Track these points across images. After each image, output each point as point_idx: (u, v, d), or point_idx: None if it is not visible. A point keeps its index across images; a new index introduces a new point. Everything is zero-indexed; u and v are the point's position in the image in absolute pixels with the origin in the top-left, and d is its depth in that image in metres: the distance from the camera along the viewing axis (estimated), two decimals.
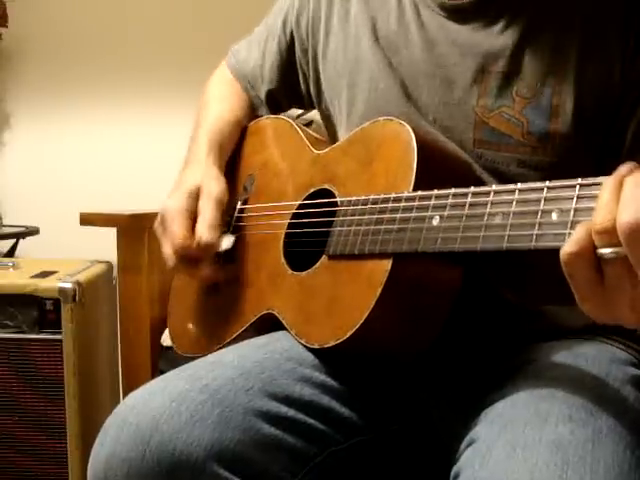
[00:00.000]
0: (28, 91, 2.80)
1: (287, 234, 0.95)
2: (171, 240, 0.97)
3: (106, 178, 2.73)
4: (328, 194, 0.90)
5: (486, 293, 0.84)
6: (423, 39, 0.91)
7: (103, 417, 0.79)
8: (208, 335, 1.03)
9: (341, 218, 0.85)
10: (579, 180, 0.61)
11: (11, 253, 2.53)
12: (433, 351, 0.82)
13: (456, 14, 0.89)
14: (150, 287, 1.50)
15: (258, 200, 1.04)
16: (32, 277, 1.55)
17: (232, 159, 1.10)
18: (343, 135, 0.98)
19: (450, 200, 0.72)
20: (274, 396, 0.79)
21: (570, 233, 0.60)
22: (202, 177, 1.02)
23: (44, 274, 1.57)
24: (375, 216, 0.80)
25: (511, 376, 0.80)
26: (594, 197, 0.58)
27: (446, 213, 0.72)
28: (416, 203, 0.76)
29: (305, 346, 0.85)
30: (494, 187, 0.69)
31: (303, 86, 1.10)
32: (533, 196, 0.64)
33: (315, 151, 0.97)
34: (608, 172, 0.86)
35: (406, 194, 0.77)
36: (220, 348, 0.97)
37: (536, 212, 0.64)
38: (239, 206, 1.06)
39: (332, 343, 0.80)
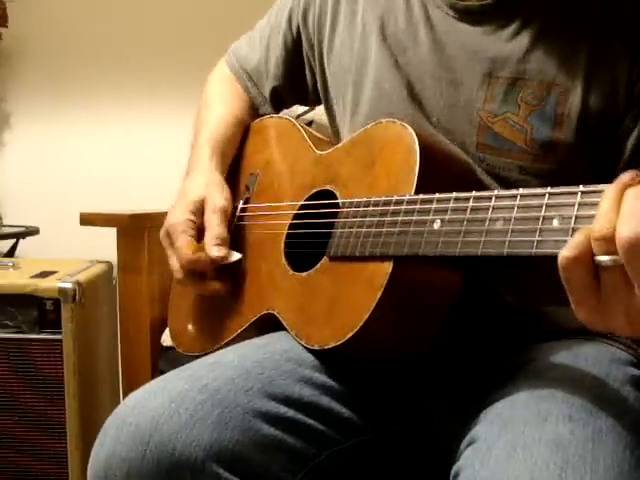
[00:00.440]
0: (28, 91, 2.80)
1: (288, 234, 0.95)
2: (178, 255, 0.98)
3: (106, 178, 2.73)
4: (330, 195, 0.90)
5: (486, 295, 0.84)
6: (431, 40, 0.91)
7: (103, 417, 0.79)
8: (208, 333, 1.03)
9: (342, 220, 0.85)
10: (580, 187, 0.61)
11: (11, 253, 2.53)
12: (433, 352, 0.82)
13: (467, 15, 0.89)
14: (150, 287, 1.50)
15: (260, 199, 1.04)
16: (32, 277, 1.55)
17: (234, 158, 1.10)
18: (347, 134, 0.98)
19: (452, 204, 0.72)
20: (274, 396, 0.79)
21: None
22: (206, 186, 1.02)
23: (44, 274, 1.57)
24: (376, 218, 0.80)
25: (511, 376, 0.80)
26: (595, 205, 0.58)
27: (447, 217, 0.72)
28: (418, 206, 0.76)
29: (305, 347, 0.85)
30: (496, 192, 0.69)
31: (310, 82, 1.10)
32: (534, 202, 0.64)
33: (317, 151, 0.97)
34: (603, 180, 0.86)
35: (408, 197, 0.77)
36: (220, 347, 0.98)
37: (537, 218, 0.63)
38: (241, 205, 1.05)
39: (332, 344, 0.80)
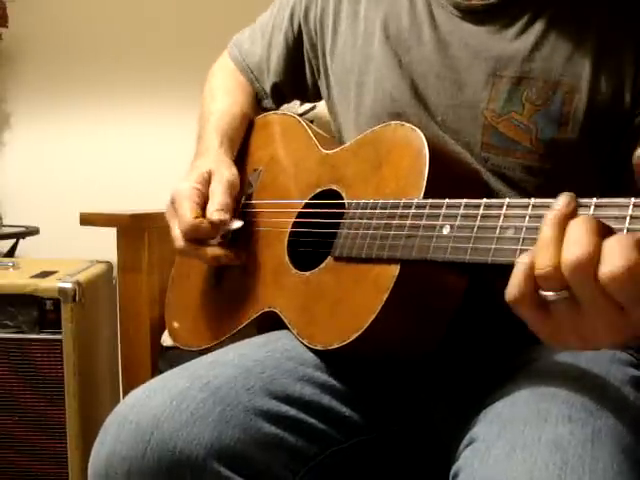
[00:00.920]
0: (28, 91, 2.80)
1: (292, 232, 0.94)
2: (180, 221, 0.96)
3: (106, 178, 2.73)
4: (335, 195, 0.90)
5: (487, 295, 0.84)
6: (435, 39, 0.91)
7: (103, 417, 0.79)
8: (208, 329, 1.02)
9: (348, 220, 0.85)
10: (593, 200, 0.61)
11: (11, 253, 2.53)
12: (435, 352, 0.82)
13: (471, 15, 0.89)
14: (150, 287, 1.50)
15: (263, 196, 1.03)
16: (32, 277, 1.55)
17: (238, 153, 1.10)
18: (350, 133, 0.98)
19: (462, 210, 0.72)
20: (275, 395, 0.79)
21: None
22: (214, 162, 1.02)
23: (44, 274, 1.57)
24: (384, 221, 0.80)
25: (511, 376, 0.80)
26: (609, 217, 0.58)
27: (457, 223, 0.72)
28: (426, 211, 0.75)
29: (307, 347, 0.85)
30: (507, 200, 0.68)
31: (310, 79, 1.10)
32: (546, 212, 0.64)
33: (323, 150, 0.97)
34: (612, 182, 0.86)
35: (416, 201, 0.77)
36: (220, 343, 0.97)
37: None
38: (243, 201, 1.05)
39: (336, 345, 0.80)
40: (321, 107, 1.41)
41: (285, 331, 0.89)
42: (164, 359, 1.48)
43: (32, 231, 2.57)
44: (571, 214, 0.58)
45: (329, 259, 0.86)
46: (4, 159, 2.84)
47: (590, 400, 0.72)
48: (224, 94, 1.15)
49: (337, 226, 0.87)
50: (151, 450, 0.73)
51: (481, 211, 0.70)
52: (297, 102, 1.29)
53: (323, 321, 0.84)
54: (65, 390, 1.50)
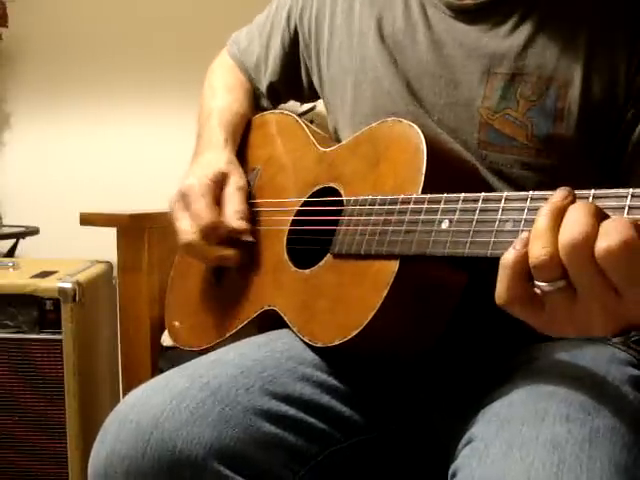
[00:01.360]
0: (28, 91, 2.80)
1: (290, 231, 0.95)
2: (197, 217, 0.95)
3: (106, 178, 2.73)
4: (333, 192, 0.90)
5: (485, 294, 0.85)
6: (430, 39, 0.91)
7: (103, 417, 0.79)
8: (208, 329, 1.02)
9: (347, 217, 0.85)
10: (592, 191, 0.61)
11: (11, 253, 2.53)
12: (434, 351, 0.82)
13: (463, 14, 0.90)
14: (150, 287, 1.50)
15: (262, 195, 1.03)
16: (32, 277, 1.55)
17: (237, 152, 1.09)
18: (347, 132, 0.98)
19: (460, 205, 0.72)
20: (274, 395, 0.79)
21: None
22: (227, 163, 1.02)
23: (44, 274, 1.57)
24: (382, 217, 0.80)
25: (510, 376, 0.80)
26: (607, 208, 0.58)
27: (456, 217, 0.72)
28: (425, 206, 0.75)
29: (308, 344, 0.85)
30: (505, 194, 0.68)
31: (305, 80, 1.11)
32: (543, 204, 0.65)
33: (321, 149, 0.97)
34: (608, 176, 0.86)
35: (415, 196, 0.77)
36: (220, 342, 0.98)
37: None
38: None
39: (336, 342, 0.80)
40: (321, 107, 1.42)
41: (285, 330, 0.89)
42: (164, 359, 1.49)
43: (32, 231, 2.57)
44: (568, 205, 0.59)
45: (328, 256, 0.86)
46: (4, 159, 2.84)
47: (588, 399, 0.72)
48: (224, 91, 1.15)
49: (336, 223, 0.87)
50: (151, 449, 0.73)
51: (480, 205, 0.70)
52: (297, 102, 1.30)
53: (323, 318, 0.84)
54: (65, 390, 1.50)
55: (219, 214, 0.96)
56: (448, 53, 0.90)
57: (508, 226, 0.67)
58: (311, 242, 0.90)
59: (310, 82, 1.11)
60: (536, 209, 0.64)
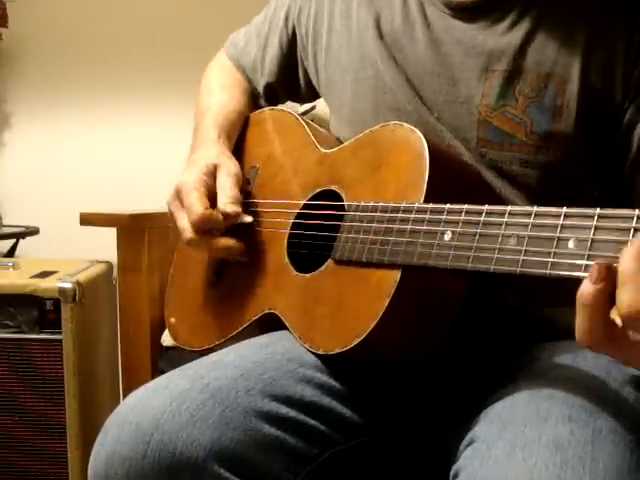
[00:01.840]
0: (28, 91, 2.80)
1: (291, 234, 0.94)
2: (189, 212, 0.95)
3: (106, 178, 2.73)
4: (334, 195, 0.90)
5: (487, 297, 0.84)
6: (428, 37, 0.91)
7: (103, 417, 0.79)
8: (209, 329, 1.02)
9: (348, 223, 0.84)
10: (597, 210, 0.60)
11: (11, 253, 2.53)
12: (436, 353, 0.82)
13: (462, 12, 0.89)
14: (150, 287, 1.50)
15: (262, 194, 1.03)
16: (32, 277, 1.55)
17: (234, 149, 1.09)
18: (345, 130, 0.98)
19: (463, 216, 0.71)
20: (275, 397, 0.79)
21: (587, 265, 0.59)
22: (217, 156, 1.02)
23: (44, 274, 1.57)
24: (384, 225, 0.79)
25: (511, 377, 0.80)
26: (612, 229, 0.58)
27: (459, 229, 0.71)
28: (427, 216, 0.75)
29: (309, 350, 0.84)
30: (509, 208, 0.68)
31: (303, 80, 1.11)
32: (549, 221, 0.64)
33: (322, 150, 0.96)
34: (612, 174, 0.86)
35: (417, 205, 0.76)
36: (221, 343, 0.97)
37: (552, 239, 0.63)
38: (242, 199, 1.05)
39: (337, 350, 0.80)
40: (321, 107, 1.41)
41: (286, 332, 0.89)
42: (164, 359, 1.49)
43: (32, 231, 2.57)
44: None
45: (329, 262, 0.86)
46: (4, 159, 2.84)
47: (590, 400, 0.72)
48: (221, 90, 1.15)
49: (337, 228, 0.86)
50: (151, 451, 0.73)
51: (483, 218, 0.70)
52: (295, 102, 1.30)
53: (324, 326, 0.84)
54: (65, 390, 1.50)
55: (209, 205, 0.95)
56: (446, 51, 0.90)
57: (512, 243, 0.66)
58: (312, 245, 0.90)
59: (307, 83, 1.10)
60: (540, 226, 0.64)
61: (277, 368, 0.82)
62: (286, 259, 0.92)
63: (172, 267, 1.15)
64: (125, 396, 0.80)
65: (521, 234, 0.66)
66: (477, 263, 0.69)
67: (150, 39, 2.74)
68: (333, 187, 0.90)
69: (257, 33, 1.16)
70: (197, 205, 0.94)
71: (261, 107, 1.15)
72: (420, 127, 0.82)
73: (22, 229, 2.59)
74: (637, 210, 0.58)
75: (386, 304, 0.75)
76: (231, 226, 0.98)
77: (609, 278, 0.57)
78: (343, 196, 0.88)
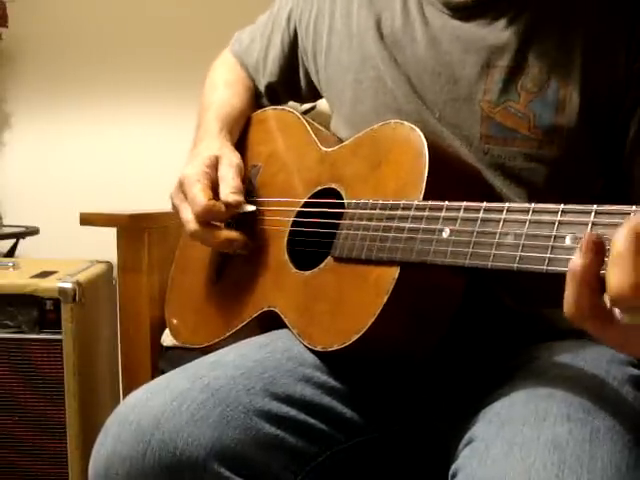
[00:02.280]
0: (28, 91, 2.80)
1: (291, 231, 0.94)
2: (193, 204, 0.95)
3: (106, 178, 2.73)
4: (334, 193, 0.90)
5: (485, 297, 0.85)
6: (427, 37, 0.91)
7: (103, 417, 0.79)
8: (208, 326, 1.02)
9: (348, 221, 0.85)
10: (594, 207, 0.61)
11: (11, 253, 2.53)
12: (435, 353, 0.82)
13: (460, 12, 0.89)
14: (150, 287, 1.50)
15: (263, 193, 1.03)
16: (32, 277, 1.55)
17: (236, 147, 1.09)
18: (344, 130, 0.98)
19: (461, 214, 0.72)
20: (275, 396, 0.79)
21: None
22: (219, 148, 1.03)
23: (44, 274, 1.57)
24: (383, 223, 0.80)
25: (510, 376, 0.80)
26: (609, 225, 0.58)
27: (457, 227, 0.72)
28: (426, 213, 0.75)
29: (307, 347, 0.85)
30: (507, 205, 0.68)
31: (304, 81, 1.11)
32: (547, 218, 0.64)
33: (323, 148, 0.97)
34: (612, 167, 0.86)
35: (416, 203, 0.77)
36: (221, 340, 0.98)
37: (549, 236, 0.63)
38: None
39: (336, 347, 0.80)
40: (321, 107, 1.42)
41: (285, 331, 0.89)
42: (164, 359, 1.49)
43: (32, 231, 2.57)
44: None
45: (329, 259, 0.86)
46: (4, 159, 2.84)
47: (589, 399, 0.72)
48: (224, 86, 1.16)
49: (337, 226, 0.87)
50: (151, 451, 0.73)
51: (481, 215, 0.70)
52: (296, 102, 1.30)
53: (323, 322, 0.84)
54: (65, 390, 1.50)
55: (212, 196, 0.95)
56: (446, 49, 0.90)
57: (509, 239, 0.66)
58: (311, 243, 0.90)
59: (308, 83, 1.11)
60: (538, 222, 0.64)
61: (277, 367, 0.82)
62: (286, 256, 0.93)
63: (173, 265, 1.16)
64: (125, 396, 0.80)
65: (518, 231, 0.66)
66: (475, 259, 0.69)
67: (150, 39, 2.74)
68: (333, 185, 0.91)
69: (261, 33, 1.17)
70: (200, 196, 0.94)
71: (263, 106, 1.16)
72: (420, 127, 0.82)
73: (22, 229, 2.58)
74: (634, 206, 0.58)
75: (385, 301, 0.76)
76: (234, 219, 0.98)
77: (600, 254, 0.56)
78: (343, 194, 0.88)
